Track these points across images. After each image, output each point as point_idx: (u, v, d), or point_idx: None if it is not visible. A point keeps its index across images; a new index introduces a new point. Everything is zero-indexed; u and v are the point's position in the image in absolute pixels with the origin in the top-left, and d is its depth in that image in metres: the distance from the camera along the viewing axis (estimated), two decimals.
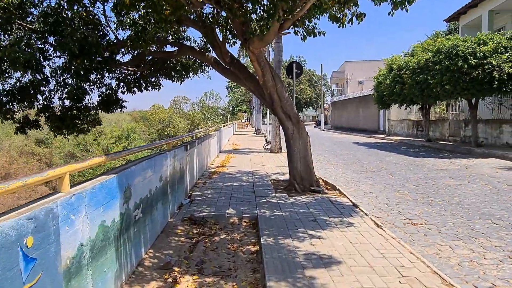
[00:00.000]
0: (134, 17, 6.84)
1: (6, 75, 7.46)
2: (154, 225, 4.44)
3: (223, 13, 7.10)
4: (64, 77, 7.80)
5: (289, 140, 7.17)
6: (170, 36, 8.67)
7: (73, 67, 7.30)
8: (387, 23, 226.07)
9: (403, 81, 16.55)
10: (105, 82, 9.06)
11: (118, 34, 8.19)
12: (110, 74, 9.05)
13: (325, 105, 61.36)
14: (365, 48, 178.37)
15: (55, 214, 2.18)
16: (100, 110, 9.04)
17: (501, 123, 14.64)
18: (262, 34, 5.59)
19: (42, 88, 8.40)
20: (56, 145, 45.41)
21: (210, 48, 8.09)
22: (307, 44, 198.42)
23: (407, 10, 5.25)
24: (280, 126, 9.72)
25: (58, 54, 7.02)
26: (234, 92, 58.29)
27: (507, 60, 11.94)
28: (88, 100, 8.82)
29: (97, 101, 9.12)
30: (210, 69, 9.66)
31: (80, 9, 7.52)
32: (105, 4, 7.61)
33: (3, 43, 6.46)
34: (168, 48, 8.66)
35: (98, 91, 9.01)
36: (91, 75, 8.34)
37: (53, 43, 6.68)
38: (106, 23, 8.13)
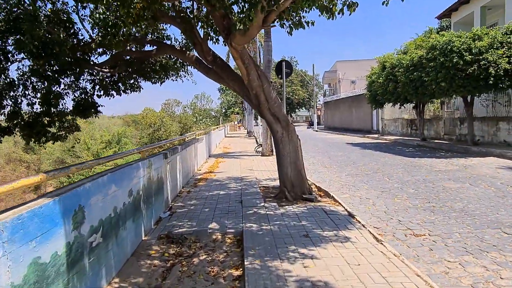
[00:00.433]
0: (106, 13, 6.23)
1: None
2: (121, 248, 3.85)
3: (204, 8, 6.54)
4: (32, 81, 7.17)
5: (278, 144, 6.62)
6: (150, 35, 8.09)
7: (40, 69, 6.70)
8: (378, 21, 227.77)
9: (396, 79, 16.10)
10: (80, 86, 8.44)
11: (94, 33, 7.57)
12: (86, 77, 8.43)
13: (317, 105, 61.03)
14: (357, 48, 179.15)
15: None
16: (75, 116, 8.41)
17: (498, 121, 14.22)
18: (246, 27, 5.03)
19: (11, 93, 7.78)
20: (44, 152, 44.31)
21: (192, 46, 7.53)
22: (299, 44, 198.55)
23: (402, 0, 4.84)
24: None
25: (22, 55, 6.40)
26: (226, 93, 57.60)
27: (503, 56, 11.54)
28: (62, 105, 8.21)
29: (72, 105, 8.50)
30: (194, 69, 9.07)
31: (49, 5, 6.90)
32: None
33: None
34: (147, 48, 8.06)
35: (73, 95, 8.39)
36: (63, 78, 7.72)
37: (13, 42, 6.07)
38: (80, 21, 7.52)
